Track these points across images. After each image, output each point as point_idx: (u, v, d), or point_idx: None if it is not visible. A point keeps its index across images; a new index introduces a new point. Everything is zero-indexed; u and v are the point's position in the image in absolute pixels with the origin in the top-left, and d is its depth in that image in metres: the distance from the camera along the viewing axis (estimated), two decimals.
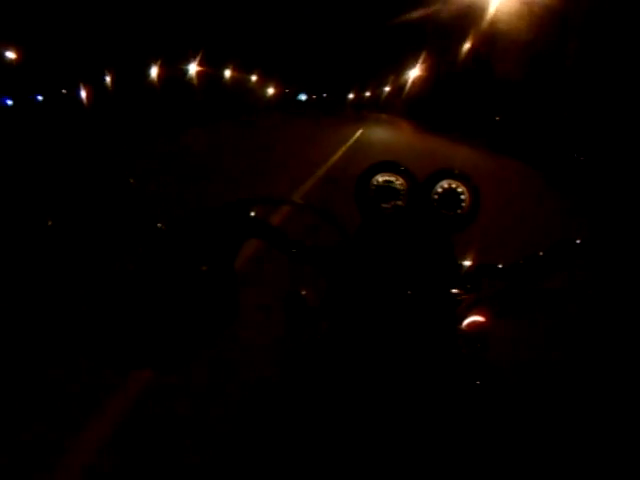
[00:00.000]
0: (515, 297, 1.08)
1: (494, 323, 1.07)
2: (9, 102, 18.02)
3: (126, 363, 0.94)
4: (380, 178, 1.11)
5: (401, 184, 1.11)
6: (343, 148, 13.47)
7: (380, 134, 20.09)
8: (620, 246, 0.99)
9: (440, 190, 1.11)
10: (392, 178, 1.11)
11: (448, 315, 1.07)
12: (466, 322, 1.08)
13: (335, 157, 11.46)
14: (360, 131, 19.79)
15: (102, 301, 0.94)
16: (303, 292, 1.08)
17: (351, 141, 15.91)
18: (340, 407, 0.97)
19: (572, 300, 1.02)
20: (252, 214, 0.99)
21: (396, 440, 0.94)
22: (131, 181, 0.96)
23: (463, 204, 1.11)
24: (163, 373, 0.87)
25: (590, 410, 2.49)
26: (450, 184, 1.11)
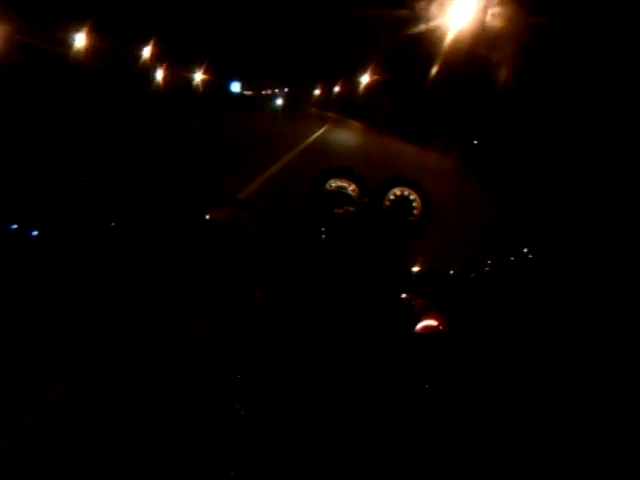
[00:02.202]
0: (466, 301, 1.11)
1: (446, 326, 1.09)
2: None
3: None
4: (333, 183, 1.12)
5: (353, 190, 1.12)
6: None
7: None
8: (565, 256, 1.03)
9: (392, 197, 1.12)
10: (345, 184, 1.12)
11: (401, 319, 1.09)
12: (419, 326, 1.10)
13: None
14: None
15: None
16: (258, 294, 1.07)
17: None
18: (291, 415, 0.96)
19: (522, 303, 1.06)
20: (205, 216, 0.97)
21: (345, 446, 0.95)
22: (84, 179, 0.95)
23: (415, 211, 1.13)
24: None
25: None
26: (402, 191, 1.12)
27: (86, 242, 0.95)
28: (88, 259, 0.91)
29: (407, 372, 1.05)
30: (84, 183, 0.96)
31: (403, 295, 1.09)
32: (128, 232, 0.97)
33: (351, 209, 1.11)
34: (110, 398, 1.88)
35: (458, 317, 1.11)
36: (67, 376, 1.87)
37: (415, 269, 1.11)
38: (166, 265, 0.94)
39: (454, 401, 1.06)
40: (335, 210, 1.11)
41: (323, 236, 1.12)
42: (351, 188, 1.11)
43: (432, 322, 1.10)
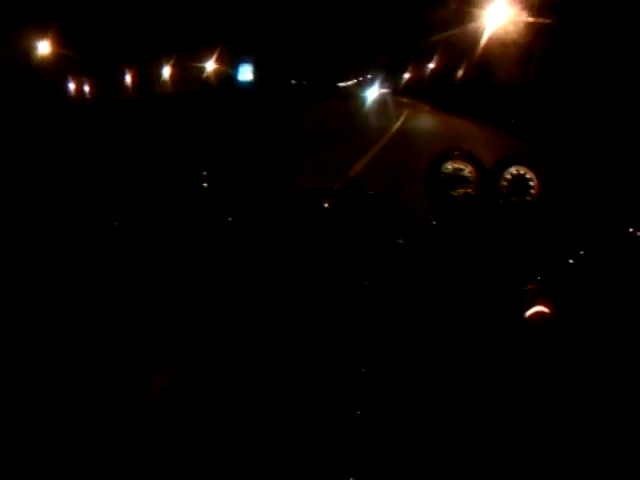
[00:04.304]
0: (582, 289, 1.06)
1: (559, 315, 1.06)
2: None
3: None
4: (450, 166, 1.11)
5: (470, 172, 1.11)
6: None
7: None
8: None
9: (509, 177, 1.10)
10: (461, 166, 1.11)
11: (513, 304, 1.07)
12: (531, 312, 1.07)
13: None
14: None
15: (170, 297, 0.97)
16: (365, 282, 1.09)
17: None
18: (401, 383, 0.98)
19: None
20: (325, 205, 1.01)
21: (451, 423, 0.95)
22: (204, 174, 1.00)
23: (532, 190, 1.10)
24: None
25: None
26: (518, 170, 1.10)
27: (203, 235, 1.00)
28: (207, 251, 0.97)
29: (517, 359, 1.03)
30: (204, 178, 1.01)
31: (518, 279, 1.06)
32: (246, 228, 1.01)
33: (469, 191, 1.10)
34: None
35: (572, 304, 1.06)
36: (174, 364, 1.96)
37: (532, 253, 1.08)
38: (280, 256, 0.97)
39: (558, 391, 1.03)
40: (452, 193, 1.11)
41: (433, 222, 1.11)
42: (468, 170, 1.10)
43: (544, 309, 1.06)
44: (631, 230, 1.05)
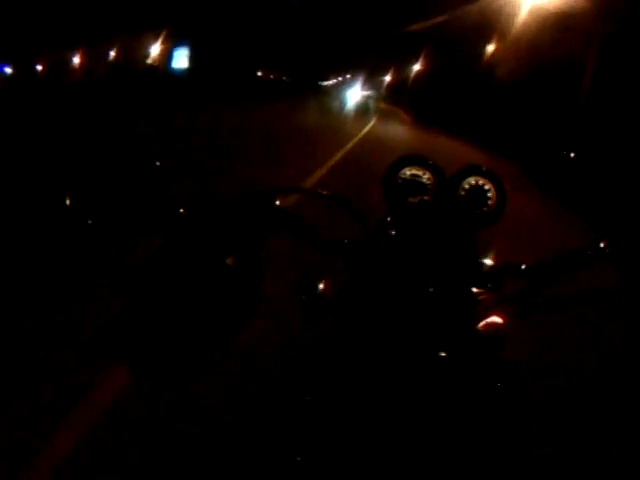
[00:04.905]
0: (536, 300, 1.06)
1: (512, 326, 1.05)
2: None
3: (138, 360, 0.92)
4: (408, 172, 1.10)
5: (428, 179, 1.10)
6: None
7: None
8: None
9: (467, 187, 1.10)
10: (419, 172, 1.10)
11: (466, 314, 1.06)
12: (483, 323, 1.06)
13: None
14: None
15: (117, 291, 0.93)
16: (321, 285, 1.06)
17: None
18: (350, 402, 0.96)
19: (593, 303, 1.02)
20: (276, 203, 0.97)
21: (403, 439, 0.93)
22: (157, 164, 0.95)
23: (489, 202, 1.10)
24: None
25: (600, 414, 2.47)
26: (477, 181, 1.10)
27: (156, 231, 0.96)
28: (160, 249, 0.92)
29: (464, 369, 1.02)
30: (156, 168, 0.97)
31: (470, 289, 1.05)
32: (199, 221, 0.98)
33: (425, 198, 1.09)
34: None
35: (526, 315, 1.06)
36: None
37: (486, 262, 1.07)
38: (234, 253, 0.94)
39: (507, 404, 1.02)
40: (409, 199, 1.09)
41: (390, 227, 1.10)
42: (426, 177, 1.09)
43: (497, 319, 1.06)
44: (602, 245, 1.04)
